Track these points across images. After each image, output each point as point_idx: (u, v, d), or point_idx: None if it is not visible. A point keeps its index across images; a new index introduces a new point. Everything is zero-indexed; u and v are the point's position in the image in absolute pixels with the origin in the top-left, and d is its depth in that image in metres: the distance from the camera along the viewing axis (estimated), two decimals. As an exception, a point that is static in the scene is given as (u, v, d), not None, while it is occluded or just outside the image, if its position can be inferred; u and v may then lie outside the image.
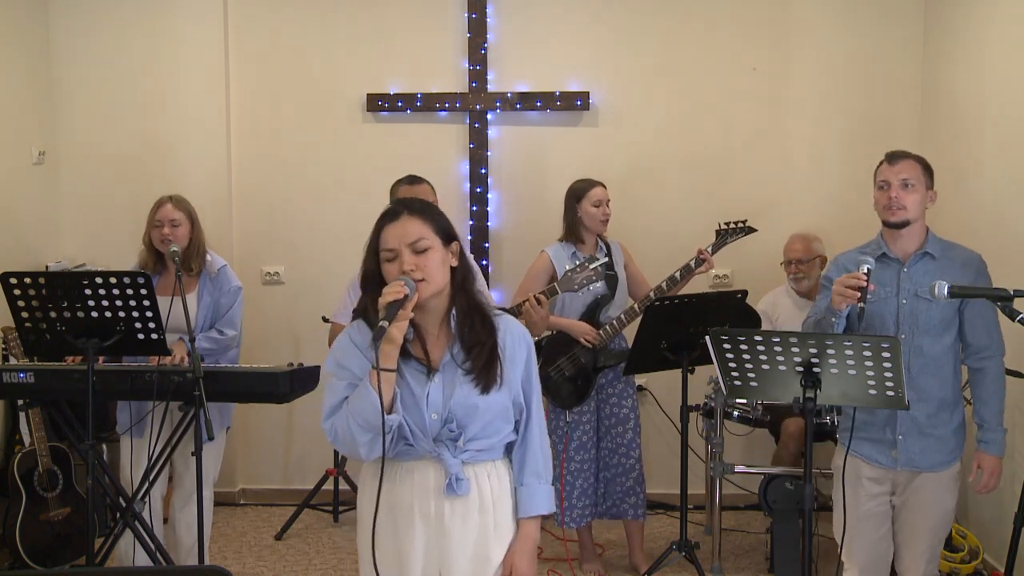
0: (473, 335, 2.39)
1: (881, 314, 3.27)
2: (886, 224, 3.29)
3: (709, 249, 4.43)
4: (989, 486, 3.28)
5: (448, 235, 2.40)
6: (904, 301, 3.24)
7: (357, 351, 2.39)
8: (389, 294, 2.25)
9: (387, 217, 2.39)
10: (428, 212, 2.40)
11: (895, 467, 3.26)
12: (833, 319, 3.14)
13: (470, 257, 4.31)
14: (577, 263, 4.16)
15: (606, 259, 4.35)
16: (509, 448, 2.50)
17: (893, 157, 3.30)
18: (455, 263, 2.41)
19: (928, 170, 3.31)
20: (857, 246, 3.44)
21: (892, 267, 3.28)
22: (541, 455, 2.49)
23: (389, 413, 2.29)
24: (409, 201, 2.45)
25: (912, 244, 3.28)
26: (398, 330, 2.28)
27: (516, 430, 2.48)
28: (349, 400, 2.35)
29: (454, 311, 2.40)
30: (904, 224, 3.24)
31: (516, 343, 2.45)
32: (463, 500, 2.39)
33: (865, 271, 3.02)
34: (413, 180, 4.21)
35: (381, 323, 2.21)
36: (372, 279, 2.38)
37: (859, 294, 2.98)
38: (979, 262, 3.28)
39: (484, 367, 2.37)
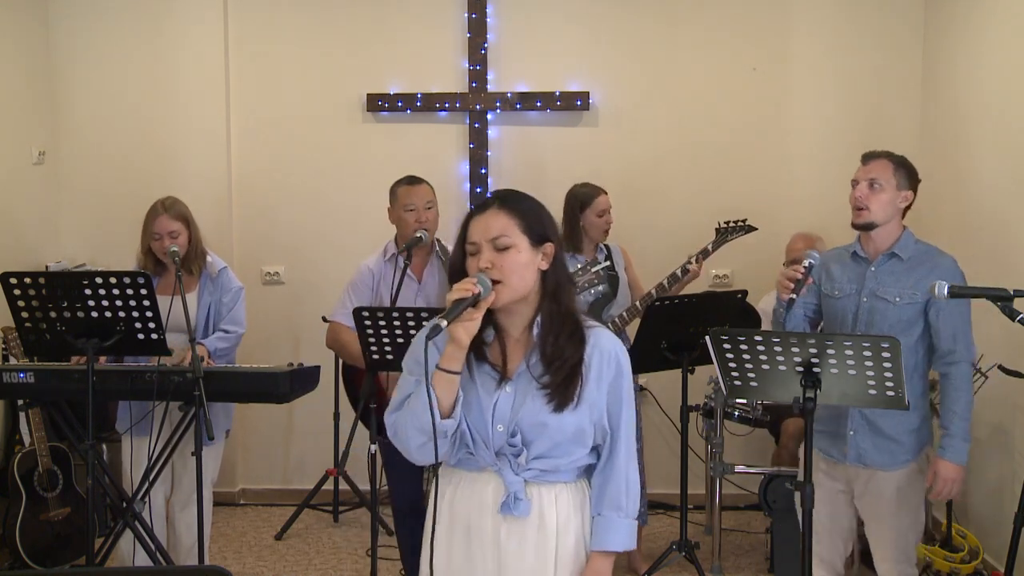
0: (556, 348, 2.19)
1: (842, 310, 3.29)
2: (852, 225, 3.29)
3: (697, 257, 4.41)
4: (942, 495, 3.19)
5: (540, 236, 2.20)
6: (864, 300, 3.25)
7: (434, 349, 2.17)
8: (456, 291, 2.09)
9: (477, 208, 2.22)
10: (519, 207, 2.20)
11: (844, 461, 3.26)
12: (781, 309, 3.18)
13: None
14: (579, 266, 4.15)
15: (607, 262, 4.32)
16: (590, 471, 2.29)
17: (867, 156, 3.29)
18: (545, 266, 2.21)
19: (904, 169, 3.24)
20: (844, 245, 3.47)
21: (860, 265, 3.29)
22: (625, 486, 2.25)
23: (447, 417, 2.15)
24: (505, 193, 2.27)
25: (882, 244, 3.26)
26: (464, 331, 2.10)
27: (597, 453, 2.28)
28: (410, 399, 2.20)
29: (538, 318, 2.21)
30: (868, 225, 3.22)
31: (605, 361, 2.23)
32: (521, 522, 2.20)
33: (806, 265, 3.07)
34: (412, 181, 4.19)
35: (438, 320, 2.05)
36: (456, 271, 2.21)
37: (792, 285, 3.04)
38: (950, 265, 3.21)
39: (561, 384, 2.17)
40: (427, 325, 2.17)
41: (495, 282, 2.13)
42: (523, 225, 2.18)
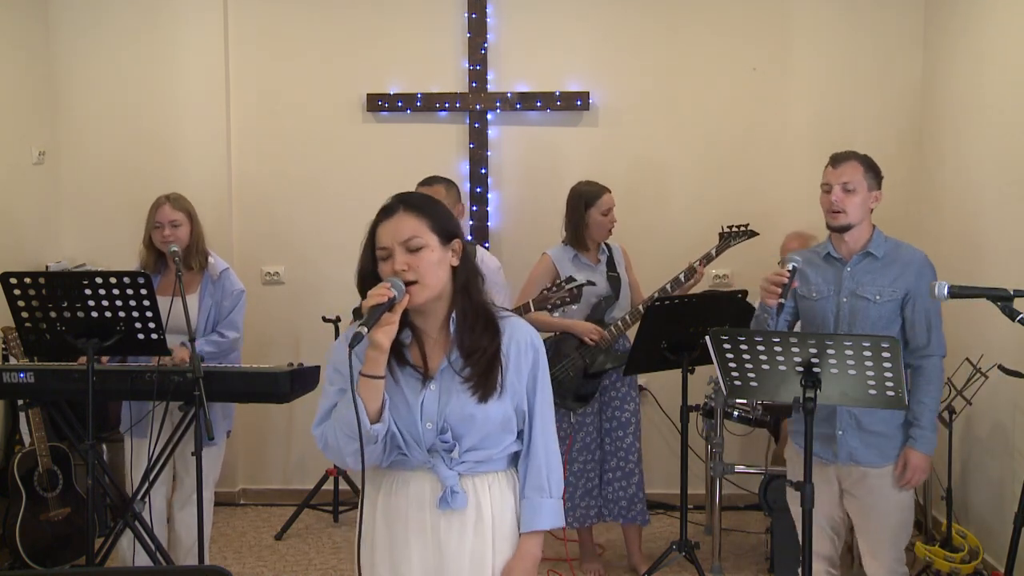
0: (473, 340, 2.24)
1: (822, 312, 3.31)
2: (828, 227, 3.33)
3: (701, 261, 4.41)
4: (912, 482, 3.26)
5: (448, 233, 2.25)
6: (844, 300, 3.28)
7: (355, 357, 2.19)
8: (372, 296, 2.12)
9: (382, 213, 2.26)
10: (425, 208, 2.25)
11: (835, 461, 3.27)
12: (765, 315, 3.20)
13: (488, 257, 4.32)
14: (556, 282, 4.15)
15: (584, 282, 4.28)
16: (516, 459, 2.35)
17: (836, 159, 3.32)
18: (455, 263, 2.26)
19: (872, 170, 3.31)
20: (804, 247, 3.52)
21: (836, 267, 3.32)
22: (545, 467, 2.31)
23: (376, 422, 2.18)
24: (407, 196, 2.32)
25: (856, 244, 3.31)
26: (384, 335, 2.14)
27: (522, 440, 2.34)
28: (336, 408, 2.24)
29: (454, 315, 2.25)
30: (845, 228, 3.28)
31: (523, 348, 2.29)
32: (459, 514, 2.26)
33: (790, 268, 3.09)
34: (426, 181, 4.19)
35: (359, 328, 2.09)
36: (367, 278, 2.24)
37: (780, 291, 3.05)
38: (922, 261, 3.29)
39: (483, 375, 2.23)
40: (344, 333, 2.24)
41: (410, 283, 2.17)
42: (432, 224, 2.23)
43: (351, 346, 2.11)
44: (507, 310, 2.39)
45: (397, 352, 2.25)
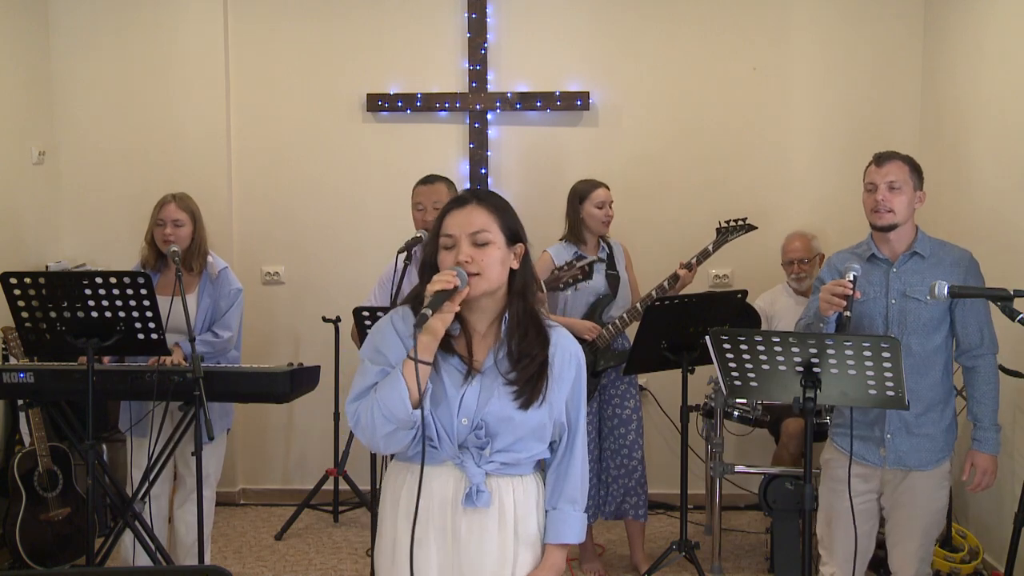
0: (524, 346, 2.24)
1: (870, 314, 3.28)
2: (873, 227, 3.30)
3: (694, 260, 4.41)
4: (983, 485, 3.27)
5: (514, 235, 2.26)
6: (893, 301, 3.25)
7: (397, 338, 2.25)
8: (438, 282, 2.13)
9: (454, 203, 2.26)
10: (497, 205, 2.26)
11: (883, 465, 3.26)
12: (821, 324, 3.15)
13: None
14: (565, 262, 4.15)
15: (594, 259, 4.31)
16: (540, 464, 2.35)
17: (881, 159, 3.29)
18: (516, 266, 2.26)
19: (916, 170, 3.29)
20: (850, 246, 3.45)
21: (881, 267, 3.29)
22: (580, 481, 2.34)
23: (416, 407, 2.17)
24: (481, 191, 2.34)
25: (901, 245, 3.28)
26: (441, 322, 2.15)
27: (551, 449, 2.34)
28: (378, 387, 2.21)
29: (507, 315, 2.26)
30: (892, 227, 3.24)
31: (566, 360, 2.30)
32: (481, 515, 2.24)
33: (851, 278, 3.03)
34: (426, 180, 4.18)
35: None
36: (429, 266, 2.25)
37: (844, 302, 2.99)
38: (969, 260, 3.27)
39: (528, 381, 2.23)
40: (395, 313, 2.26)
41: (472, 275, 2.18)
42: (501, 223, 2.24)
43: (416, 325, 2.12)
44: (551, 319, 2.36)
45: (444, 342, 2.24)
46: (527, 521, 2.30)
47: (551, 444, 2.33)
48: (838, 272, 3.27)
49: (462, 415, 2.22)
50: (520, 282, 2.27)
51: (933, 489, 3.27)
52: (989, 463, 3.26)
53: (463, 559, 2.25)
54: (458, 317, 2.26)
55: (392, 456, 2.37)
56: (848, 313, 2.98)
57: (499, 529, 2.26)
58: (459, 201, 2.26)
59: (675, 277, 4.37)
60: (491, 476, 2.26)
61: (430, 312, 2.10)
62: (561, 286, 4.05)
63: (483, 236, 2.20)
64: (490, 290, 2.22)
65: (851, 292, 3.00)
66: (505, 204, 2.30)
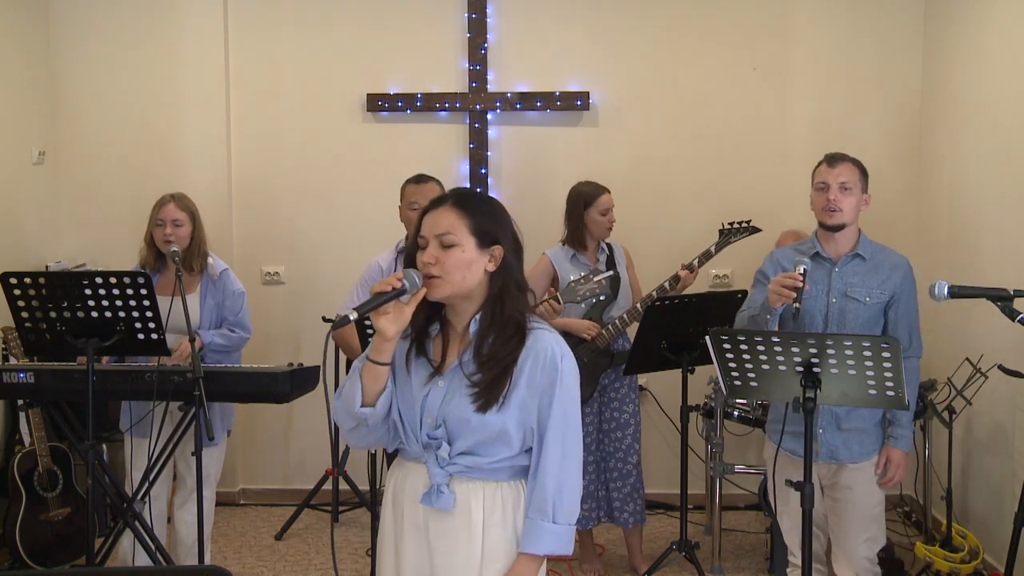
0: (491, 348, 2.19)
1: (811, 311, 3.34)
2: (823, 226, 3.38)
3: (696, 261, 4.41)
4: (895, 479, 3.36)
5: (489, 238, 2.21)
6: (834, 300, 3.33)
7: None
8: (381, 284, 2.14)
9: (432, 202, 2.26)
10: (472, 209, 2.22)
11: (817, 460, 3.28)
12: (768, 316, 3.21)
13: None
14: (582, 275, 4.13)
15: (610, 272, 4.30)
16: (525, 473, 2.27)
17: (833, 159, 3.39)
18: (492, 268, 2.22)
19: (864, 173, 3.40)
20: (792, 243, 3.54)
21: (824, 266, 3.37)
22: (553, 491, 2.20)
23: (369, 405, 2.21)
24: (461, 191, 2.33)
25: (845, 245, 3.37)
26: (389, 323, 2.14)
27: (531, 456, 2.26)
28: (343, 383, 2.27)
29: (478, 317, 2.22)
30: (840, 227, 3.33)
31: (540, 363, 2.20)
32: (448, 516, 2.22)
33: (801, 271, 3.10)
34: (419, 179, 4.18)
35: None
36: (410, 263, 2.25)
37: (795, 294, 3.04)
38: (906, 266, 3.38)
39: (489, 384, 2.18)
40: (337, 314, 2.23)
41: (432, 277, 2.17)
42: (472, 226, 2.20)
43: (333, 327, 2.11)
44: (541, 322, 2.30)
45: (419, 342, 2.27)
46: (499, 529, 2.24)
47: (530, 450, 2.26)
48: (781, 267, 3.37)
49: (426, 414, 2.23)
50: (497, 285, 2.23)
51: (866, 482, 3.33)
52: (903, 459, 3.35)
53: (434, 559, 2.25)
54: (441, 319, 2.29)
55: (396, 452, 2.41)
56: (798, 305, 3.05)
57: (464, 532, 2.23)
58: (436, 201, 2.26)
59: (676, 278, 4.36)
60: (458, 479, 2.24)
61: (354, 315, 2.08)
62: (578, 299, 4.03)
63: (448, 238, 2.19)
64: (456, 293, 2.20)
65: (801, 285, 3.06)
66: (484, 207, 2.27)
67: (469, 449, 2.23)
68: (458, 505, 2.23)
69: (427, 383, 2.25)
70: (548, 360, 2.21)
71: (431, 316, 2.26)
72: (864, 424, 3.32)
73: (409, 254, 2.27)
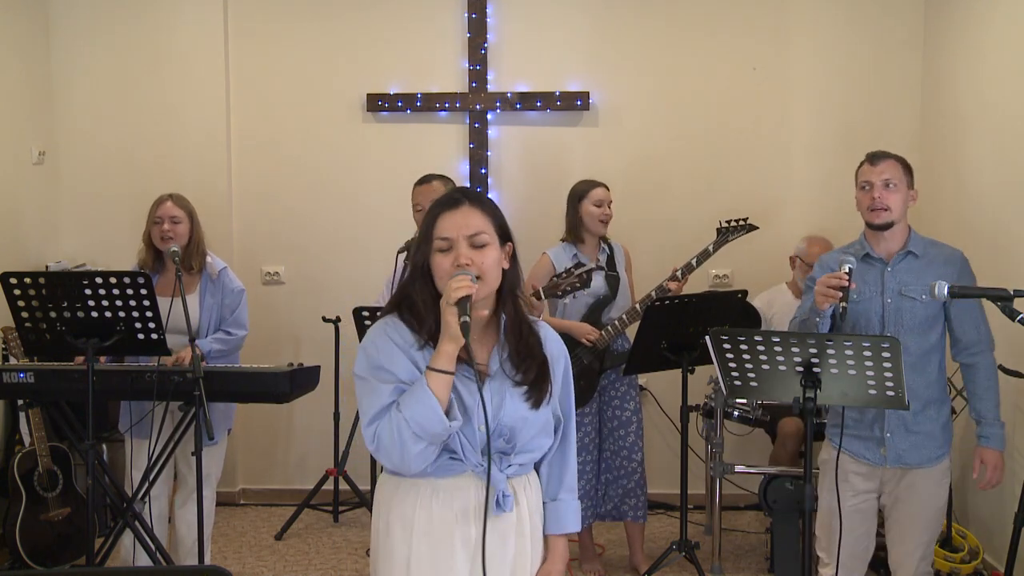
0: (524, 346, 2.22)
1: (866, 313, 3.29)
2: (870, 226, 3.31)
3: (699, 258, 4.39)
4: (993, 481, 3.29)
5: (505, 234, 2.22)
6: (889, 300, 3.26)
7: (400, 352, 2.16)
8: (461, 288, 2.06)
9: (445, 204, 2.18)
10: (489, 206, 2.22)
11: (884, 464, 3.27)
12: (817, 319, 3.16)
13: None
14: (563, 269, 4.14)
15: (593, 266, 4.30)
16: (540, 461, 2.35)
17: (875, 158, 3.32)
18: (507, 266, 2.22)
19: (908, 169, 3.32)
20: (840, 246, 3.47)
21: (876, 267, 3.30)
22: (574, 470, 2.36)
23: (450, 420, 2.11)
24: (469, 191, 2.29)
25: (895, 244, 3.30)
26: (461, 329, 2.09)
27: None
28: (400, 404, 2.11)
29: (504, 317, 2.22)
30: (888, 225, 3.26)
31: (556, 355, 2.29)
32: (502, 519, 2.20)
33: (846, 270, 3.04)
34: (423, 180, 4.17)
35: (464, 318, 2.05)
36: (422, 269, 2.18)
37: (841, 293, 2.99)
38: (961, 259, 3.30)
39: (536, 381, 2.20)
40: (386, 326, 2.17)
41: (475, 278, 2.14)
42: (495, 224, 2.20)
43: (466, 336, 2.06)
44: (553, 321, 2.38)
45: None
46: (535, 518, 2.31)
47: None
48: (830, 270, 3.28)
49: (480, 422, 2.15)
50: (512, 281, 2.24)
51: (934, 486, 3.28)
52: (997, 459, 3.27)
53: (489, 564, 2.17)
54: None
55: (382, 468, 2.32)
56: (845, 304, 2.98)
57: (518, 530, 2.25)
58: (451, 202, 2.18)
59: (675, 277, 4.35)
60: (509, 479, 2.23)
61: (468, 319, 2.05)
62: (559, 293, 4.04)
63: (481, 238, 2.15)
64: (489, 293, 2.19)
65: (847, 283, 3.00)
66: (494, 203, 2.28)
67: (524, 447, 2.25)
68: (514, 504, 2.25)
69: (476, 391, 2.15)
70: (560, 350, 2.32)
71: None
72: (932, 428, 3.26)
73: (423, 259, 2.19)
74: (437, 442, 2.13)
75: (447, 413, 2.10)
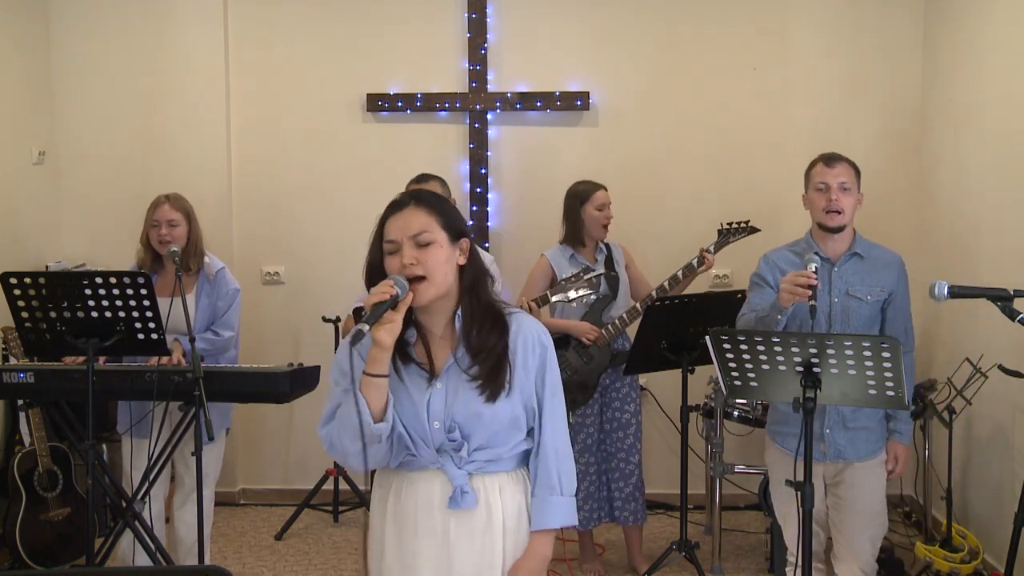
0: (480, 339, 2.22)
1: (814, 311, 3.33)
2: (823, 227, 3.38)
3: (711, 248, 4.43)
4: (901, 472, 3.42)
5: (457, 231, 2.23)
6: (836, 299, 3.34)
7: (357, 357, 2.21)
8: (375, 294, 2.10)
9: (392, 207, 2.23)
10: (436, 204, 2.23)
11: (824, 460, 3.32)
12: (779, 316, 3.19)
13: (489, 259, 4.33)
14: (571, 274, 4.14)
15: (602, 271, 4.31)
16: (527, 457, 2.33)
17: (830, 159, 3.41)
18: (463, 262, 2.24)
19: (858, 173, 3.42)
20: (785, 244, 3.54)
21: (824, 267, 3.37)
22: (555, 465, 2.29)
23: (380, 421, 2.16)
24: (418, 192, 2.29)
25: (843, 245, 3.39)
26: (387, 333, 2.12)
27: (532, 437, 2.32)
28: (339, 407, 2.22)
29: (459, 313, 2.24)
30: (841, 228, 3.35)
31: (530, 345, 2.26)
32: (469, 515, 2.23)
33: (813, 269, 3.08)
34: (418, 179, 4.20)
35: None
36: (375, 272, 2.23)
37: (810, 292, 3.03)
38: (900, 263, 3.42)
39: (490, 373, 2.20)
40: (349, 332, 2.17)
41: (419, 278, 2.16)
42: (442, 221, 2.21)
43: (352, 344, 2.11)
44: (512, 306, 2.35)
45: (402, 350, 2.24)
46: (516, 518, 2.29)
47: (531, 432, 2.31)
48: (778, 268, 3.38)
49: (432, 419, 2.21)
50: (469, 277, 2.25)
51: (874, 479, 3.36)
52: (907, 453, 3.42)
53: (454, 557, 2.24)
54: (414, 323, 2.26)
55: None
56: (814, 302, 3.02)
57: (487, 528, 2.25)
58: (397, 205, 2.22)
59: (690, 267, 4.37)
60: (475, 476, 2.25)
61: (366, 328, 2.07)
62: (569, 299, 4.03)
63: (424, 237, 2.18)
64: (439, 293, 2.20)
65: (816, 282, 3.05)
66: (444, 202, 2.28)
67: (484, 443, 2.24)
68: (479, 502, 2.24)
69: (426, 389, 2.23)
70: (535, 340, 2.28)
71: (406, 323, 2.19)
72: (869, 422, 3.34)
73: (373, 263, 2.24)
74: (374, 443, 2.17)
75: (382, 414, 2.16)
